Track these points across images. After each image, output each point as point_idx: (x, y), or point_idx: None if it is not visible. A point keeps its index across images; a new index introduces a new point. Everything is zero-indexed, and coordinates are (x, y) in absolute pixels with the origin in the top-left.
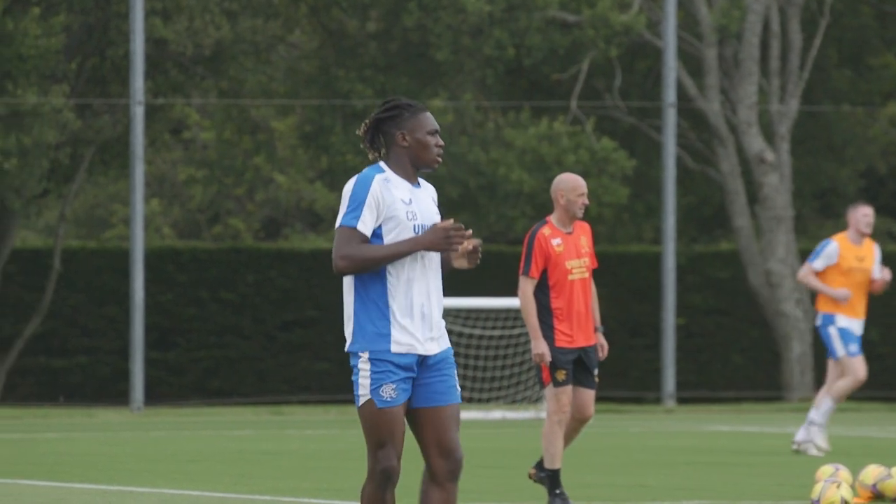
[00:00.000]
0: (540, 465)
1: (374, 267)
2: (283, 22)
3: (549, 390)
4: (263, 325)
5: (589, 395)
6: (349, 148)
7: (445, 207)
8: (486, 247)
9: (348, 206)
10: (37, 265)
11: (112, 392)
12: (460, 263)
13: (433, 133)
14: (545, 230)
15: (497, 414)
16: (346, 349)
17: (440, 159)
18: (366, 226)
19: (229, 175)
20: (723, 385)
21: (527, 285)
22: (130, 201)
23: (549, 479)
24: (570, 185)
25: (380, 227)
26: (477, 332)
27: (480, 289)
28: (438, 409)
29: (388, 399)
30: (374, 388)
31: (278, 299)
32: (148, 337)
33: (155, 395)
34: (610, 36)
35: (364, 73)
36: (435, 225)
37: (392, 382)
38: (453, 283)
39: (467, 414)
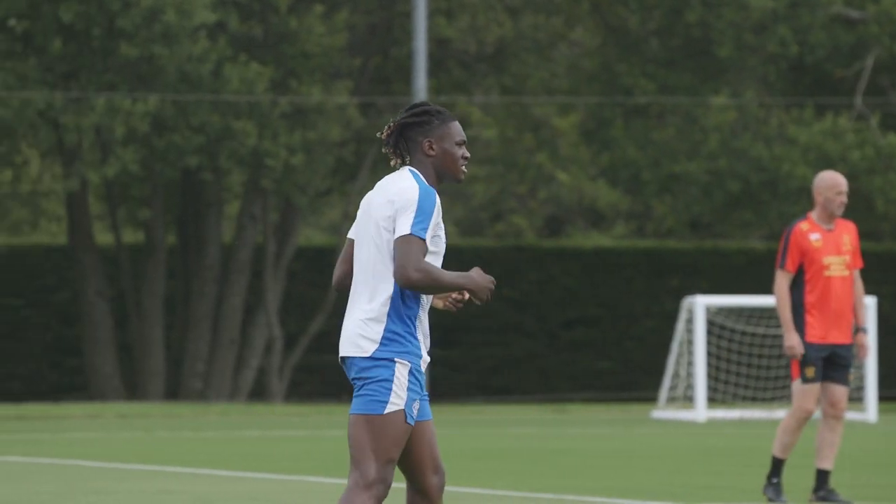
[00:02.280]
0: (818, 487)
1: (434, 292)
2: (565, 19)
3: (796, 385)
4: (546, 323)
5: (840, 391)
6: (631, 143)
7: (726, 203)
8: (767, 244)
9: (418, 216)
10: (321, 263)
11: None
12: (436, 303)
13: (461, 144)
14: (803, 225)
15: (780, 413)
16: (367, 355)
17: (465, 171)
18: (428, 241)
19: (511, 173)
20: None
21: (782, 279)
22: None
23: (772, 465)
24: (827, 184)
25: None
26: (760, 330)
27: (762, 287)
28: (429, 423)
29: (415, 417)
30: (409, 403)
31: (561, 297)
32: (431, 334)
33: (438, 393)
34: (895, 32)
35: (646, 69)
36: (486, 274)
37: (419, 401)
38: (737, 282)
39: (751, 413)
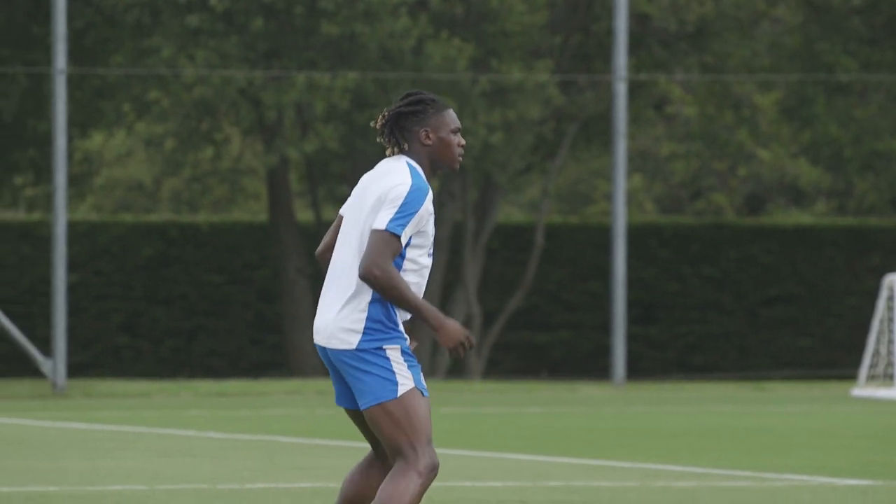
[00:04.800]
0: None
1: (389, 300)
2: None
3: None
4: (745, 301)
5: None
6: (833, 121)
7: None
8: None
9: (399, 211)
10: (520, 240)
11: (594, 367)
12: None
13: (456, 131)
14: None
15: None
16: (352, 347)
17: (461, 160)
18: (405, 238)
19: (711, 150)
20: None
21: None
22: (612, 177)
23: None
24: None
25: (409, 237)
26: None
27: None
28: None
29: (426, 388)
30: (416, 379)
31: (760, 275)
32: (630, 312)
33: (637, 370)
34: None
35: (848, 47)
36: (463, 328)
37: (419, 374)
38: None
39: None
